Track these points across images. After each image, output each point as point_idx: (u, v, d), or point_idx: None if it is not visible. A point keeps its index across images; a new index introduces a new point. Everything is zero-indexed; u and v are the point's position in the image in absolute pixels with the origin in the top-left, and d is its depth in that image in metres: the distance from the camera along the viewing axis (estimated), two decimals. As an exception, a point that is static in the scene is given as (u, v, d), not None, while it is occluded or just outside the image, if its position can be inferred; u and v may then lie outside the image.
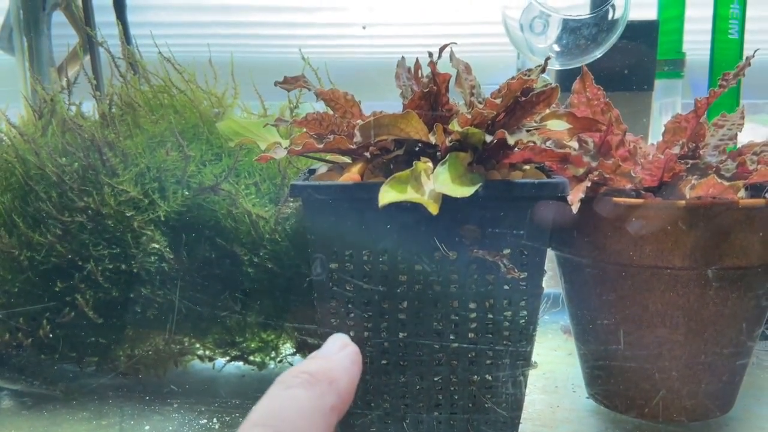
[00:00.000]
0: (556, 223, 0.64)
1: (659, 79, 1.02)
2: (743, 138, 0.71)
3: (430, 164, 0.56)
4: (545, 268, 0.63)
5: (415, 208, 0.54)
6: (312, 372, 0.36)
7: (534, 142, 0.55)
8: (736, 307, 0.62)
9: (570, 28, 0.82)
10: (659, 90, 1.04)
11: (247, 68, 0.85)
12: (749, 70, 0.65)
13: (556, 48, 0.83)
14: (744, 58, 0.63)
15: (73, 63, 0.94)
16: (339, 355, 0.39)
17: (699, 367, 0.64)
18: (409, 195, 0.53)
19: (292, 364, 0.81)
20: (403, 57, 0.70)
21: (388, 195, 0.52)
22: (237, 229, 0.75)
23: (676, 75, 1.04)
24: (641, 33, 0.98)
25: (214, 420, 0.68)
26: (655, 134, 1.02)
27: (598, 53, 0.82)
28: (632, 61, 0.98)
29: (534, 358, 0.65)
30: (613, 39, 0.83)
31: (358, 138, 0.55)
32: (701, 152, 0.65)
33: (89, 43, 0.92)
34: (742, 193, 0.60)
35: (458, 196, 0.53)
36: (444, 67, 0.64)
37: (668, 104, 1.08)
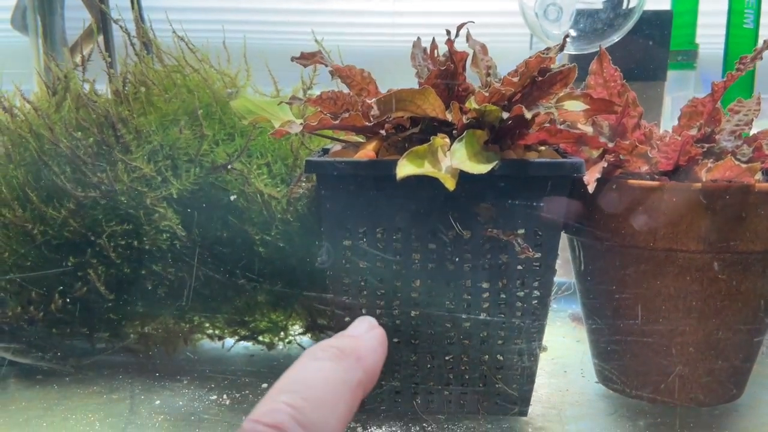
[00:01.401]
0: (570, 206, 0.64)
1: (672, 69, 1.02)
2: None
3: (447, 140, 0.56)
4: (558, 254, 0.63)
5: (430, 185, 0.54)
6: (341, 347, 0.36)
7: (552, 117, 0.55)
8: (750, 292, 0.62)
9: (587, 12, 0.81)
10: (672, 81, 1.04)
11: (260, 53, 0.85)
12: (761, 63, 0.64)
13: (573, 33, 0.83)
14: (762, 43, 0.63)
15: (87, 42, 0.94)
16: (368, 335, 0.40)
17: (710, 353, 0.64)
18: (426, 169, 0.53)
19: (301, 345, 0.81)
20: (418, 38, 0.70)
21: (405, 168, 0.52)
22: (249, 209, 0.75)
23: (689, 66, 1.03)
24: (655, 23, 0.98)
25: (224, 396, 0.68)
26: (666, 125, 1.02)
27: (615, 37, 0.82)
28: (646, 50, 0.98)
29: (544, 342, 0.65)
30: (630, 24, 0.82)
31: (375, 111, 0.55)
32: (717, 137, 0.65)
33: (103, 22, 0.93)
34: (758, 176, 0.60)
35: (475, 173, 0.53)
36: (461, 50, 0.64)
37: (680, 98, 1.08)
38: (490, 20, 1.28)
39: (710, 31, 1.08)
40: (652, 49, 0.99)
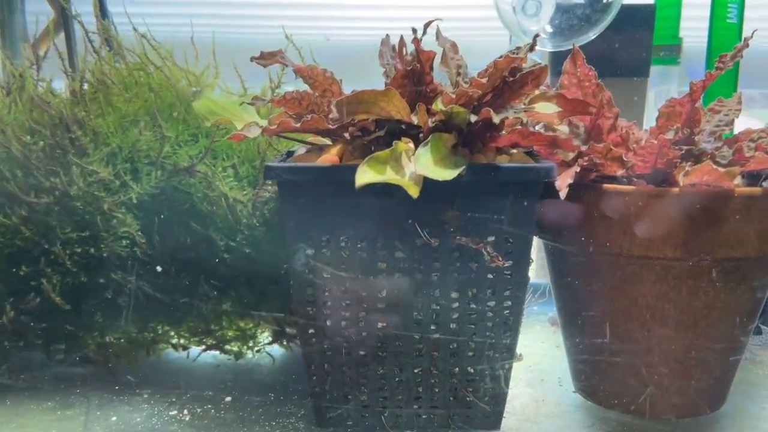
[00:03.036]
0: (544, 210, 0.61)
1: (655, 65, 0.99)
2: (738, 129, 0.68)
3: (412, 145, 0.54)
4: (534, 257, 0.60)
5: (395, 191, 0.51)
6: None
7: (521, 120, 0.52)
8: (729, 301, 0.60)
9: (563, 8, 0.78)
10: (655, 77, 1.01)
11: (230, 49, 0.81)
12: (747, 59, 0.62)
13: (549, 29, 0.80)
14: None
15: (47, 39, 0.90)
16: None
17: (690, 363, 0.62)
18: (388, 176, 0.50)
19: (270, 354, 0.78)
20: (387, 35, 0.67)
21: (365, 175, 0.49)
22: (213, 213, 0.72)
23: (673, 61, 1.01)
24: (637, 17, 0.95)
25: (185, 411, 0.65)
26: (650, 122, 0.99)
27: (592, 34, 0.79)
28: (628, 46, 0.95)
29: (520, 350, 0.62)
30: (608, 20, 0.80)
31: (334, 114, 0.52)
32: (696, 138, 0.63)
33: (63, 18, 0.89)
34: (738, 180, 0.58)
35: (440, 179, 0.50)
36: (431, 48, 0.61)
37: (664, 92, 1.05)
38: (471, 14, 1.25)
39: (696, 24, 1.05)
40: (634, 45, 0.96)
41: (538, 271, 0.97)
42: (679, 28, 1.01)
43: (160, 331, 0.76)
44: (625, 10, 0.93)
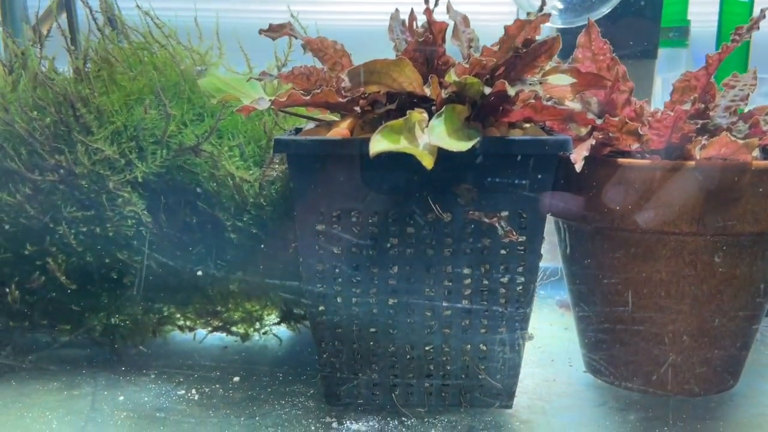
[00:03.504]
0: (558, 185, 0.60)
1: (663, 47, 0.98)
2: None
3: (426, 115, 0.53)
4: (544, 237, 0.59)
5: (407, 164, 0.50)
6: None
7: (536, 93, 0.51)
8: (745, 276, 0.59)
9: (574, -17, 0.78)
10: (663, 60, 1.00)
11: (234, 32, 0.80)
12: (758, 44, 0.61)
13: (560, 5, 0.79)
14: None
15: (50, 18, 0.89)
16: None
17: (703, 340, 0.61)
18: (402, 145, 0.49)
19: (277, 336, 0.78)
20: (396, 9, 0.66)
21: (380, 144, 0.48)
22: (219, 193, 0.71)
23: (681, 44, 1.00)
24: (646, -1, 0.94)
25: (193, 391, 0.64)
26: (658, 105, 0.98)
27: (605, 9, 0.78)
28: (635, 27, 0.94)
29: (530, 331, 0.62)
30: (620, -5, 0.78)
31: (346, 83, 0.51)
32: (711, 113, 0.62)
33: (66, -2, 0.87)
34: (756, 153, 0.57)
35: (455, 150, 0.50)
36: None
37: (671, 79, 1.04)
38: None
39: (703, 9, 1.04)
40: (642, 26, 0.95)
41: (546, 254, 0.96)
42: (688, 10, 1.00)
43: (166, 313, 0.76)
44: (634, -9, 0.92)
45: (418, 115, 0.51)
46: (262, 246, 0.72)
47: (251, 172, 0.71)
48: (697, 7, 1.05)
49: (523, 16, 0.94)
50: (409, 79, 0.53)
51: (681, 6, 1.00)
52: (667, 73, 1.04)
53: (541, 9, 0.53)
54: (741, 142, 0.53)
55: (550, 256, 0.91)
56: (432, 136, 0.49)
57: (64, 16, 0.91)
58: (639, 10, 0.93)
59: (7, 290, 0.68)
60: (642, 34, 0.95)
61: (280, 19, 0.79)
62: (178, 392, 0.64)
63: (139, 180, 0.69)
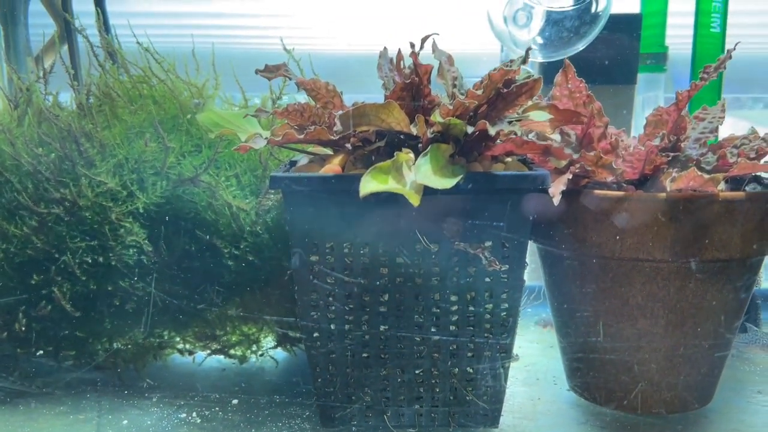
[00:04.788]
0: (538, 216, 0.64)
1: (642, 72, 1.02)
2: (726, 131, 0.71)
3: (412, 155, 0.56)
4: (528, 260, 0.63)
5: (396, 200, 0.54)
6: None
7: (515, 132, 0.55)
8: (715, 300, 0.63)
9: (553, 20, 0.81)
10: (642, 84, 1.04)
11: (230, 60, 0.83)
12: (732, 65, 0.65)
13: (539, 40, 0.83)
14: (726, 51, 0.63)
15: (51, 52, 0.93)
16: None
17: (678, 360, 0.65)
18: (391, 185, 0.52)
19: (274, 358, 0.81)
20: (385, 48, 0.70)
21: (369, 185, 0.52)
22: (217, 222, 0.74)
23: (659, 69, 1.04)
24: (624, 26, 0.98)
25: (194, 414, 0.67)
26: (638, 128, 1.02)
27: (580, 46, 0.82)
28: (615, 54, 0.98)
29: (516, 350, 0.65)
30: (596, 31, 0.83)
31: (338, 127, 0.54)
32: (682, 145, 0.66)
33: (67, 32, 0.91)
34: (722, 185, 0.60)
35: (439, 188, 0.53)
36: (427, 60, 0.64)
37: (651, 98, 1.08)
38: (465, 23, 1.27)
39: (682, 32, 1.08)
40: (621, 53, 0.99)
41: (531, 273, 1.00)
42: (665, 37, 1.04)
43: (166, 337, 0.79)
44: (613, 19, 0.96)
45: (404, 156, 0.54)
46: (259, 272, 0.75)
47: (248, 201, 0.75)
48: (676, 30, 1.09)
49: (505, 48, 0.98)
50: (397, 120, 0.57)
51: (659, 31, 1.05)
52: (647, 93, 1.08)
53: (524, 61, 0.56)
54: (707, 176, 0.57)
55: (536, 274, 0.94)
56: (418, 175, 0.53)
57: (65, 48, 0.95)
58: (619, 39, 0.97)
59: (15, 319, 0.71)
60: (622, 61, 0.99)
61: (274, 47, 0.83)
62: (180, 415, 0.67)
63: (141, 210, 0.72)
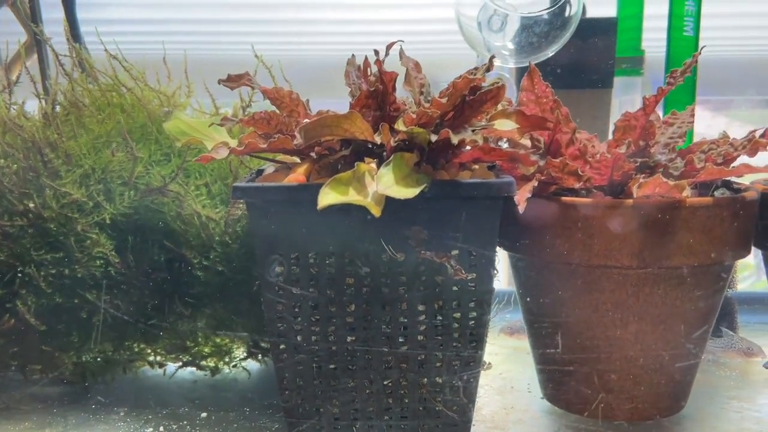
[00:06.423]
0: (507, 223, 0.63)
1: (618, 76, 1.02)
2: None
3: (374, 165, 0.55)
4: (500, 267, 0.62)
5: (361, 209, 0.53)
6: None
7: (476, 141, 0.54)
8: (685, 306, 0.62)
9: (523, 25, 0.81)
10: (619, 88, 1.04)
11: (202, 66, 0.83)
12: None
13: (510, 46, 0.82)
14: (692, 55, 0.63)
15: (19, 62, 0.91)
16: None
17: (650, 366, 0.64)
18: (351, 197, 0.52)
19: (246, 369, 0.80)
20: (353, 55, 0.69)
21: (327, 197, 0.51)
22: (186, 231, 0.73)
23: (635, 72, 1.04)
24: (600, 30, 0.98)
25: (161, 429, 0.66)
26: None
27: (550, 51, 0.82)
28: (591, 58, 0.98)
29: (491, 358, 0.64)
30: (567, 36, 0.82)
31: (298, 140, 0.53)
32: (651, 150, 0.65)
33: (36, 41, 0.90)
34: (688, 191, 0.60)
35: (401, 197, 0.52)
36: (396, 65, 0.63)
37: (627, 101, 1.08)
38: (445, 27, 1.27)
39: (659, 35, 1.08)
40: (598, 57, 0.99)
41: (505, 280, 0.99)
42: (641, 40, 1.04)
43: (136, 349, 0.77)
44: (589, 23, 0.96)
45: (365, 166, 0.54)
46: (229, 282, 0.74)
47: (218, 210, 0.74)
48: (653, 34, 1.09)
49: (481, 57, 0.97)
50: (360, 129, 0.56)
51: (635, 35, 1.04)
52: (624, 96, 1.08)
53: (488, 69, 0.56)
54: (672, 183, 0.56)
55: (510, 280, 0.94)
56: (380, 185, 0.52)
57: (34, 57, 0.93)
58: (594, 43, 0.97)
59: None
60: (598, 64, 0.99)
61: (246, 53, 0.82)
62: (146, 430, 0.66)
63: (107, 221, 0.71)
